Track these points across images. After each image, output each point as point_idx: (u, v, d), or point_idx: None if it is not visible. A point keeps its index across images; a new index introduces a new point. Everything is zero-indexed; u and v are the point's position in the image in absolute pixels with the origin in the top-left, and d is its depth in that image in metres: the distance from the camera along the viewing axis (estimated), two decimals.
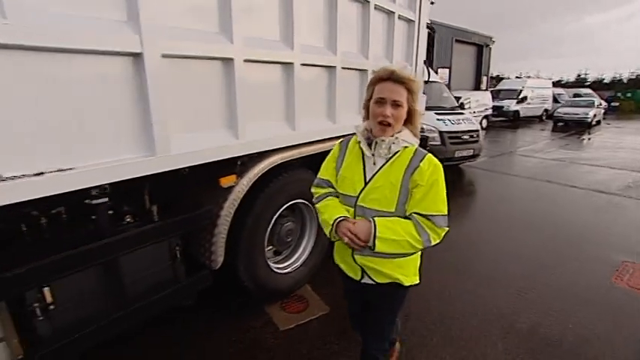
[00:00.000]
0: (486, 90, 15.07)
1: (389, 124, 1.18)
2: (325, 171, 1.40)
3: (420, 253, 1.33)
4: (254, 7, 1.77)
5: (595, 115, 14.63)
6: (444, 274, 2.90)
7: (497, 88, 17.21)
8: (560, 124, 14.88)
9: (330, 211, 1.28)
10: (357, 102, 2.70)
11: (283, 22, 1.94)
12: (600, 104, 16.23)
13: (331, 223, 1.24)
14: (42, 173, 1.17)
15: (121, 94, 1.34)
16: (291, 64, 2.00)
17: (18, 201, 1.14)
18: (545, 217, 4.34)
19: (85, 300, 1.50)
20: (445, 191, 1.22)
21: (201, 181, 1.81)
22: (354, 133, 1.32)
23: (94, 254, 1.43)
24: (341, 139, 1.40)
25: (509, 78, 23.83)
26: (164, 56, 1.40)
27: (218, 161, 1.72)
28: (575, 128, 14.03)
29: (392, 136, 1.21)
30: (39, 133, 1.16)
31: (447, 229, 1.22)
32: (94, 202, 1.38)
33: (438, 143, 5.65)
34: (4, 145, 1.09)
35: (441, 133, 5.74)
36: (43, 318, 1.38)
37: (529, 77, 19.55)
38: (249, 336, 2.12)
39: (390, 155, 1.22)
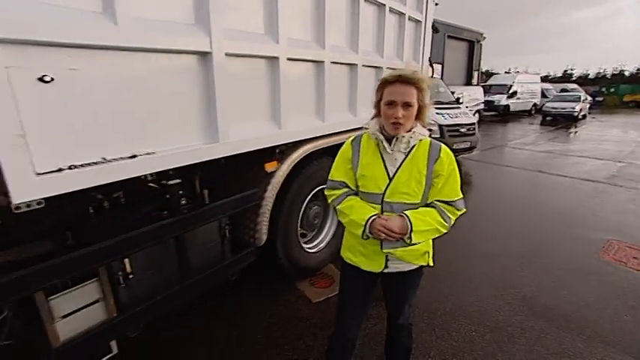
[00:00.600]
0: (477, 85, 15.50)
1: (401, 124, 1.23)
2: (338, 172, 1.39)
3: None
4: (295, 13, 1.99)
5: (581, 110, 15.22)
6: (449, 252, 3.19)
7: (489, 83, 17.65)
8: (549, 118, 15.43)
9: (356, 211, 1.29)
10: (373, 97, 2.95)
11: (315, 25, 2.17)
12: (586, 99, 16.85)
13: (363, 223, 1.25)
14: (135, 156, 1.38)
15: (192, 88, 1.56)
16: (322, 62, 2.22)
17: (116, 180, 1.35)
18: (538, 202, 4.69)
19: (157, 271, 1.72)
20: (459, 176, 1.32)
21: (250, 167, 2.04)
22: (360, 133, 1.37)
23: (167, 230, 1.65)
24: (352, 138, 1.40)
25: (498, 73, 24.41)
26: (227, 55, 1.62)
27: (263, 149, 1.95)
28: (562, 122, 14.59)
29: (408, 131, 1.26)
30: (131, 122, 1.37)
31: (465, 210, 1.32)
32: (170, 182, 1.59)
33: (438, 136, 5.94)
34: (107, 133, 1.30)
35: (440, 126, 6.03)
36: (125, 285, 1.59)
37: (518, 72, 20.11)
38: (286, 308, 2.37)
39: (409, 150, 1.27)
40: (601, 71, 29.48)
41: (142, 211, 1.67)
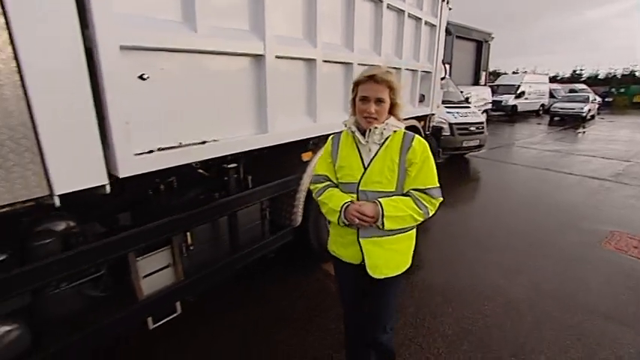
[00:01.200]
0: (485, 85, 15.62)
1: (374, 119, 1.29)
2: (320, 167, 1.48)
3: (415, 238, 1.45)
4: (330, 22, 2.26)
5: (590, 110, 15.23)
6: (465, 240, 3.42)
7: (496, 83, 17.74)
8: (557, 118, 15.46)
9: (334, 200, 1.35)
10: (408, 95, 3.24)
11: (345, 31, 2.43)
12: (595, 99, 16.84)
13: (338, 209, 1.31)
14: (204, 142, 1.66)
15: (248, 86, 1.83)
16: (351, 63, 2.48)
17: (190, 162, 1.63)
18: (545, 197, 4.90)
19: (212, 244, 1.99)
20: (435, 166, 1.35)
21: (289, 156, 2.31)
22: (341, 131, 1.45)
23: (224, 207, 1.92)
24: (332, 135, 1.49)
25: (506, 73, 24.41)
26: (276, 57, 1.88)
27: (300, 140, 2.22)
28: (570, 122, 14.62)
29: (381, 123, 1.31)
30: (202, 114, 1.64)
31: (442, 199, 1.34)
32: (229, 166, 1.86)
33: (448, 134, 6.17)
34: (184, 122, 1.57)
35: (450, 124, 6.25)
36: (187, 255, 1.87)
37: (525, 72, 20.12)
38: (316, 285, 2.64)
39: (383, 140, 1.33)
40: (611, 72, 29.25)
41: (202, 191, 1.95)
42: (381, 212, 1.25)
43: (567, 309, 2.43)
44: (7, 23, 1.02)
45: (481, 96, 12.83)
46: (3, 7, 1.00)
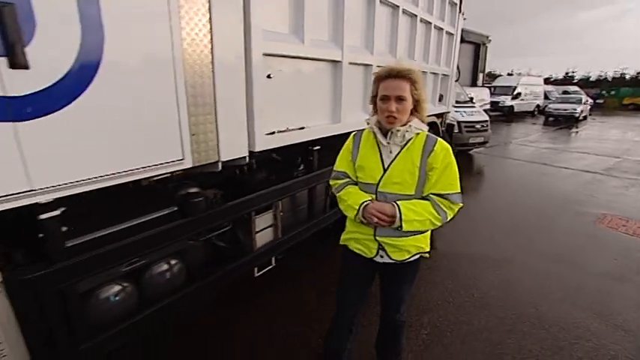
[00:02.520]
0: (482, 86, 16.27)
1: (395, 118, 1.27)
2: (341, 164, 1.47)
3: (429, 235, 1.46)
4: (383, 34, 2.78)
5: (582, 111, 15.98)
6: (479, 224, 3.98)
7: (494, 84, 18.41)
8: (551, 118, 16.20)
9: (353, 197, 1.35)
10: (430, 95, 3.77)
11: (389, 43, 2.97)
12: (587, 101, 17.59)
13: (357, 207, 1.30)
14: (303, 128, 2.17)
15: (329, 85, 2.34)
16: None
17: (293, 143, 2.13)
18: (545, 187, 5.50)
19: (296, 212, 2.51)
20: (457, 172, 1.33)
21: None
22: (363, 129, 1.46)
23: (309, 181, 2.44)
24: (354, 133, 1.49)
25: (501, 75, 25.12)
26: (349, 63, 2.40)
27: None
28: (564, 122, 15.35)
29: (404, 125, 1.29)
30: (301, 105, 2.15)
31: (461, 205, 1.32)
32: (314, 148, 2.38)
33: (456, 131, 6.74)
34: (291, 111, 2.08)
35: (458, 122, 6.83)
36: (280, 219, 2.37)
37: (519, 74, 20.84)
38: None
39: (405, 142, 1.30)
40: (602, 74, 30.17)
41: (292, 167, 2.48)
42: (398, 215, 1.25)
43: (564, 269, 3.00)
44: (211, 34, 1.51)
45: (480, 97, 13.39)
46: (211, 24, 1.49)
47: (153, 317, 1.63)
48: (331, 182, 1.52)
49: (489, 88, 16.57)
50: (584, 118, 16.74)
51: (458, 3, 4.35)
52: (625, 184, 5.71)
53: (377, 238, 1.37)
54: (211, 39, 1.51)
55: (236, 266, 2.03)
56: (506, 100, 16.64)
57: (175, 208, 1.79)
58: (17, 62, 1.00)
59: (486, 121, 7.38)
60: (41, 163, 1.11)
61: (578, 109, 15.54)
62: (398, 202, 1.27)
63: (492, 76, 24.16)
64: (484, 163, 7.41)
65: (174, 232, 1.66)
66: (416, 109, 1.32)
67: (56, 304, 1.29)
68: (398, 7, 2.92)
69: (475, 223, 3.97)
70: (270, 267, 2.35)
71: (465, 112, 7.14)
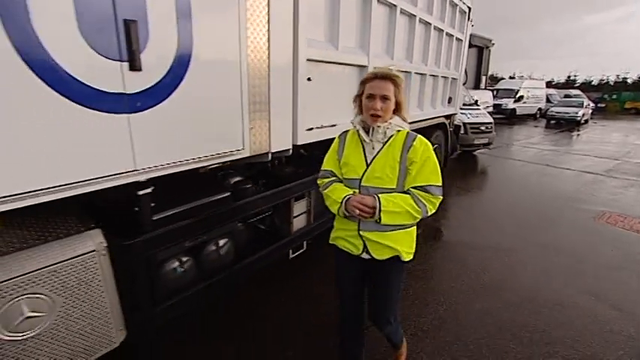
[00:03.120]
0: (485, 89, 16.54)
1: (379, 116, 1.34)
2: (327, 163, 1.55)
3: (415, 231, 1.50)
4: (402, 40, 3.05)
5: (584, 115, 16.23)
6: (478, 219, 4.23)
7: (496, 87, 18.68)
8: (553, 121, 16.45)
9: (337, 193, 1.42)
10: (440, 97, 4.10)
11: (405, 49, 3.23)
12: (588, 105, 17.84)
13: (340, 201, 1.38)
14: (334, 125, 2.43)
15: (354, 88, 2.59)
16: (409, 72, 3.28)
17: (325, 138, 2.39)
18: (547, 186, 5.75)
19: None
20: (438, 166, 1.38)
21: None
22: (348, 129, 1.53)
23: None
24: (340, 133, 1.57)
25: (503, 78, 25.41)
26: (374, 67, 2.66)
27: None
28: (566, 126, 15.61)
29: (385, 122, 1.36)
30: (333, 104, 2.42)
31: (441, 197, 1.38)
32: None
33: (462, 132, 7.00)
34: (325, 110, 2.34)
35: (464, 124, 7.08)
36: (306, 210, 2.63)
37: (521, 77, 21.10)
38: None
39: (386, 139, 1.38)
40: (604, 78, 30.41)
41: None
42: (378, 206, 1.30)
43: (565, 259, 3.25)
44: (269, 42, 1.78)
45: (483, 99, 13.66)
46: (269, 34, 1.76)
47: (208, 289, 1.87)
48: (318, 181, 1.59)
49: (492, 90, 16.88)
50: (586, 121, 16.98)
51: (467, 11, 4.61)
52: (624, 185, 5.96)
53: (360, 232, 1.43)
54: (268, 46, 1.78)
55: (277, 247, 2.29)
56: (509, 103, 16.90)
57: (228, 194, 2.05)
58: (135, 66, 1.27)
59: (491, 122, 7.64)
60: (143, 147, 1.37)
61: (580, 113, 15.79)
62: (378, 195, 1.33)
63: (494, 79, 24.43)
64: (488, 164, 7.66)
65: (230, 213, 1.92)
66: (398, 109, 1.41)
67: (144, 268, 1.55)
68: (415, 15, 3.19)
69: (481, 218, 4.22)
70: (302, 250, 2.60)
71: (470, 114, 7.39)
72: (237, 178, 2.25)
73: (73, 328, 1.38)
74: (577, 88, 26.31)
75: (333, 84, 2.39)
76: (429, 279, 2.86)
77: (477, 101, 8.55)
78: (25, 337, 1.26)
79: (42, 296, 1.29)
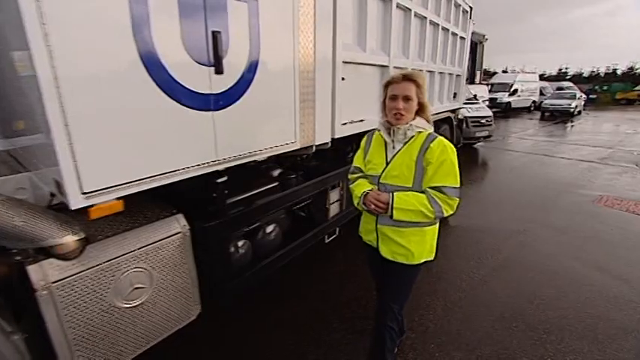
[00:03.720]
0: (480, 84, 16.88)
1: (402, 115, 1.40)
2: (356, 160, 1.69)
3: (435, 232, 1.54)
4: (416, 42, 3.31)
5: (577, 106, 16.64)
6: (486, 204, 4.52)
7: (491, 81, 19.04)
8: (547, 113, 16.84)
9: (359, 187, 1.54)
10: (446, 92, 4.36)
11: (417, 49, 3.49)
12: (581, 96, 18.28)
13: (360, 195, 1.49)
14: (362, 120, 2.68)
15: (378, 86, 2.85)
16: (421, 70, 3.54)
17: (358, 132, 2.63)
18: (545, 174, 6.08)
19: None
20: (457, 168, 1.39)
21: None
22: (375, 129, 1.61)
23: None
24: (368, 133, 1.68)
25: (496, 72, 25.85)
26: (394, 67, 2.91)
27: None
28: (560, 117, 16.03)
29: (406, 124, 1.42)
30: (361, 101, 2.66)
31: (458, 199, 1.39)
32: None
33: (464, 126, 7.28)
34: (355, 106, 2.58)
35: (465, 117, 7.36)
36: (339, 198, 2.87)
37: (514, 71, 21.46)
38: None
39: (407, 140, 1.43)
40: (595, 70, 31.00)
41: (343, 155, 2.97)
42: (391, 203, 1.37)
43: (574, 238, 3.55)
44: (315, 47, 2.02)
45: (479, 94, 13.99)
46: (315, 40, 2.00)
47: (263, 269, 2.10)
48: (349, 176, 1.71)
49: (487, 85, 17.23)
50: (579, 112, 17.38)
51: (469, 11, 4.88)
52: (619, 171, 6.29)
53: (377, 226, 1.53)
54: (314, 51, 2.02)
55: (318, 231, 2.53)
56: (504, 97, 17.25)
57: (277, 183, 2.28)
58: (219, 70, 1.50)
59: (490, 116, 7.94)
60: (222, 140, 1.60)
61: (573, 105, 16.19)
62: (394, 192, 1.40)
63: (488, 74, 24.84)
64: (489, 156, 7.97)
65: (281, 200, 2.16)
66: (421, 110, 1.46)
67: (220, 247, 1.79)
68: (426, 18, 3.44)
69: (489, 204, 4.51)
70: (335, 235, 2.84)
71: (470, 108, 7.68)
72: (279, 171, 2.48)
73: (166, 299, 1.61)
74: (568, 80, 26.81)
75: (361, 82, 2.64)
76: (451, 258, 3.13)
77: (475, 95, 8.84)
78: (134, 305, 1.49)
79: (144, 270, 1.53)
